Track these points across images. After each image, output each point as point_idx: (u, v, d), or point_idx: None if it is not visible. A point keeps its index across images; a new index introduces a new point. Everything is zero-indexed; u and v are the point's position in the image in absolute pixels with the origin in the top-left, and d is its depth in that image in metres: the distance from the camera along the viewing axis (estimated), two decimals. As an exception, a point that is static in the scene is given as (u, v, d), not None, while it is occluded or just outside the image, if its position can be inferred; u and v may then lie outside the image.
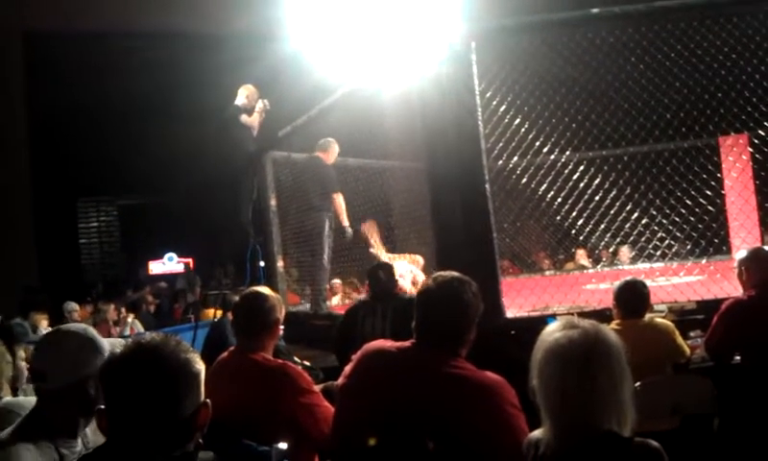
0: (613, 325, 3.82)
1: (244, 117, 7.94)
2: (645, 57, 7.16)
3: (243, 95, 8.07)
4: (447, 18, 4.92)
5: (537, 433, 1.89)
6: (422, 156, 5.30)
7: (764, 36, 6.27)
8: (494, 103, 5.53)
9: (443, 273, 2.46)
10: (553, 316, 4.51)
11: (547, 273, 9.23)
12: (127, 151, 14.69)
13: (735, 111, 7.30)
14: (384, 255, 7.34)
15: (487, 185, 4.77)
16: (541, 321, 4.40)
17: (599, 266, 9.03)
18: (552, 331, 1.85)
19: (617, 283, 3.93)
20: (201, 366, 1.52)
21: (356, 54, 5.97)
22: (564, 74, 7.19)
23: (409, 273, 6.92)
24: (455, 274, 2.46)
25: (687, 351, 3.85)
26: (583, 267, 9.24)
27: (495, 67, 5.37)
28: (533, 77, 6.56)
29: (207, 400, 1.52)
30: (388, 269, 5.23)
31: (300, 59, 7.37)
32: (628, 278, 3.99)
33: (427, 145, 5.05)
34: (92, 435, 2.02)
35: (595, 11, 5.08)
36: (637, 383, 3.53)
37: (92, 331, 2.09)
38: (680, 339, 3.81)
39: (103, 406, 1.48)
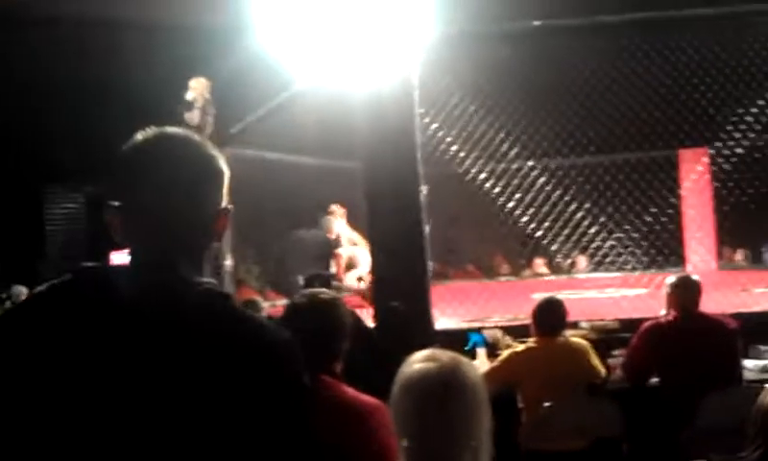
0: (530, 342, 3.79)
1: (187, 115, 7.81)
2: (606, 70, 7.13)
3: (191, 88, 7.93)
4: (401, 25, 4.85)
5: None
6: (359, 157, 5.25)
7: (717, 55, 6.30)
8: (456, 112, 5.58)
9: (310, 290, 2.42)
10: (478, 331, 4.42)
11: (503, 279, 9.18)
12: (95, 136, 14.49)
13: (695, 125, 7.29)
14: (347, 247, 7.36)
15: (421, 191, 4.73)
16: (468, 334, 4.35)
17: (553, 275, 8.97)
18: (411, 362, 1.80)
19: (536, 301, 3.88)
20: (227, 170, 1.36)
21: (306, 53, 5.90)
22: (528, 83, 7.14)
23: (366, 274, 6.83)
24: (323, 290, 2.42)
25: (603, 371, 3.80)
26: (539, 275, 9.19)
27: (449, 78, 5.38)
28: (496, 86, 6.57)
29: (229, 207, 1.35)
30: (324, 280, 5.18)
31: (258, 55, 7.27)
32: (546, 295, 3.94)
33: (364, 148, 5.00)
34: None
35: (560, 22, 5.11)
36: (547, 403, 3.51)
37: None
38: (595, 359, 3.76)
39: (116, 204, 1.32)
